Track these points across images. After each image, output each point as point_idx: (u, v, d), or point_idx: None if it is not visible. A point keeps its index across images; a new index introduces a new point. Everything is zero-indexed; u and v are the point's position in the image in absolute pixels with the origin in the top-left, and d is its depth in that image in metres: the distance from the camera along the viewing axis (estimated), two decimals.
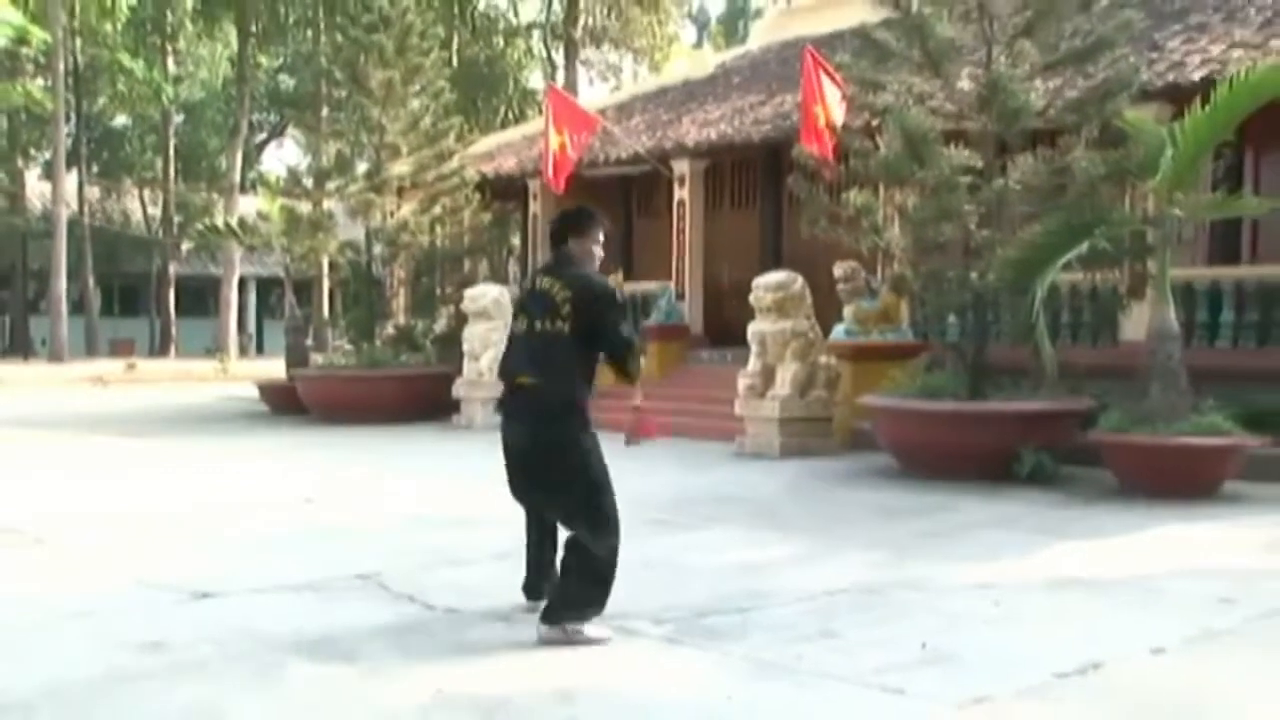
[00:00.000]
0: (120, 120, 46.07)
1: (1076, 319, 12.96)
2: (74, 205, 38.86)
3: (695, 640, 5.34)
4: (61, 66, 34.87)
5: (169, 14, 38.93)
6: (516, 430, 5.46)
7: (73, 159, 39.63)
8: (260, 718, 4.39)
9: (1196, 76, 11.88)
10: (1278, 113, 10.04)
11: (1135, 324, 11.35)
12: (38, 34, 30.40)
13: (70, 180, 38.15)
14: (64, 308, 33.40)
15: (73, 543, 7.89)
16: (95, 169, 45.66)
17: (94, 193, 44.34)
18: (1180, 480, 9.51)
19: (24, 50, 33.65)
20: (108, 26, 35.06)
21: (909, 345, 13.27)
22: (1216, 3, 14.07)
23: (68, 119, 38.15)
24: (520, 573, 5.87)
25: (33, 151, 43.68)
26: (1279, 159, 13.45)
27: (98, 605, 6.06)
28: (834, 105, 12.53)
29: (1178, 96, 11.55)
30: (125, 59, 36.78)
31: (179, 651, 5.18)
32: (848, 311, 13.60)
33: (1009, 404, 10.80)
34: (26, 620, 5.79)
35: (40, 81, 36.20)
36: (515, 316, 5.66)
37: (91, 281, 40.26)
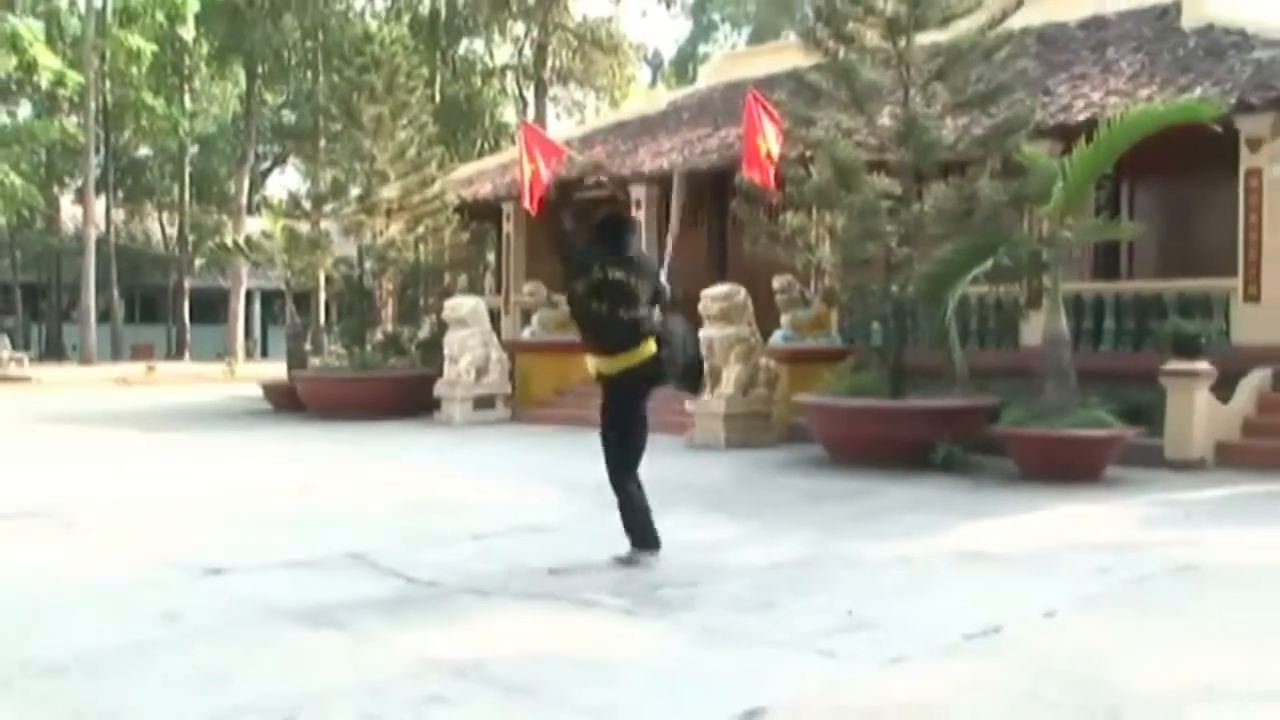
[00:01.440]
0: (143, 151, 45.57)
1: (983, 326, 13.02)
2: (102, 226, 38.39)
3: (650, 610, 5.32)
4: (92, 105, 34.57)
5: (186, 58, 38.66)
6: None
7: (101, 185, 39.13)
8: (263, 680, 4.32)
9: (1081, 118, 11.98)
10: (1149, 150, 10.17)
11: (1033, 331, 11.42)
12: (73, 77, 30.79)
13: (99, 204, 37.69)
14: (92, 317, 32.96)
15: (98, 525, 7.76)
16: (121, 194, 45.15)
17: (119, 215, 43.81)
18: (1070, 466, 9.58)
19: (61, 91, 33.41)
20: (133, 69, 34.83)
21: (838, 349, 13.29)
22: (1095, 57, 14.24)
23: (97, 150, 37.61)
24: (499, 552, 5.82)
25: (66, 179, 43.09)
26: (1150, 189, 13.65)
27: (120, 581, 5.98)
28: (772, 138, 12.53)
29: (1066, 134, 11.67)
30: (148, 97, 36.52)
31: (191, 621, 5.12)
32: (785, 319, 13.62)
33: (925, 401, 10.84)
34: (59, 594, 5.71)
35: (74, 118, 35.91)
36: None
37: (116, 293, 39.68)
